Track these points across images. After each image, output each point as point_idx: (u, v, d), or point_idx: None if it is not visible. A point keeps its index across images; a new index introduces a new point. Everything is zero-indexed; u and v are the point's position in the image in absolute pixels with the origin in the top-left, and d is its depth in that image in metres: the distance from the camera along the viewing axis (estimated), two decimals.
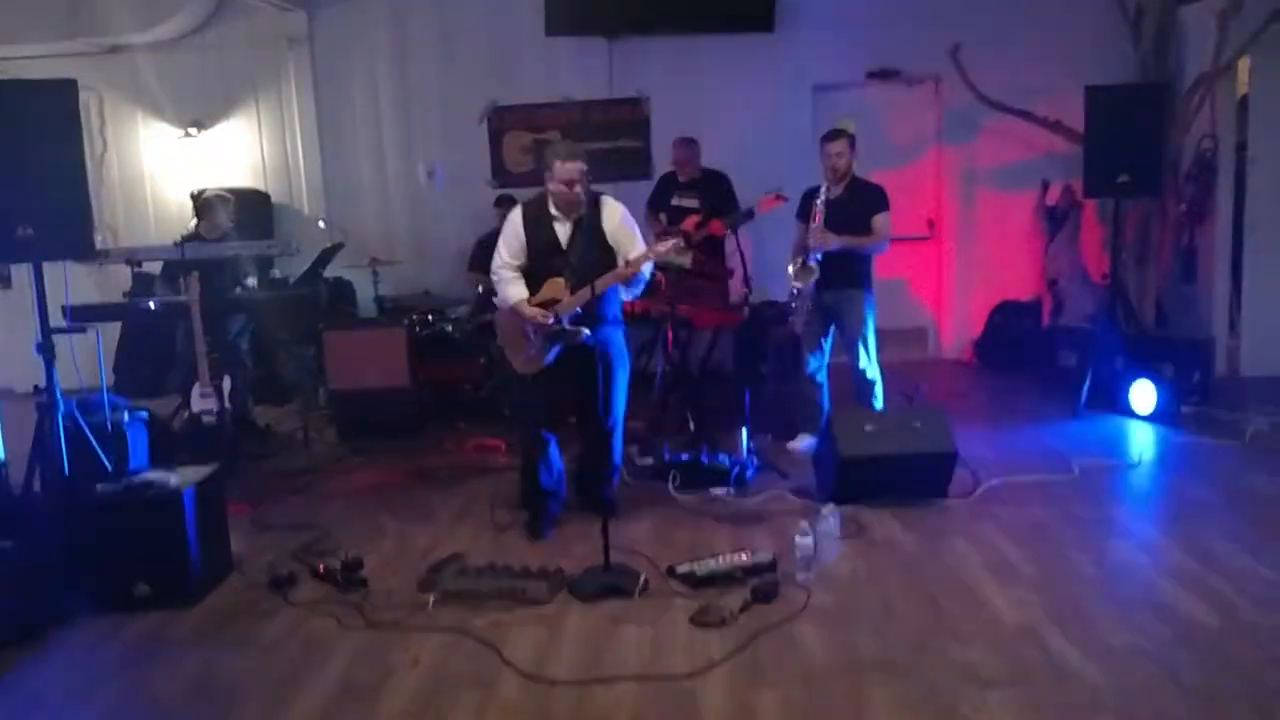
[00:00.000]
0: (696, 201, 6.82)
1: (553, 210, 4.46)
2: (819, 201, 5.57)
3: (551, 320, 4.35)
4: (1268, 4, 6.88)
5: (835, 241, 5.49)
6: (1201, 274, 7.63)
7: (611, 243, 4.46)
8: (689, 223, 6.38)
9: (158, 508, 3.94)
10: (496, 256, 4.57)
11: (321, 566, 4.16)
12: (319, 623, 3.74)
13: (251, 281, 6.51)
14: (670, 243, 4.48)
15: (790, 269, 5.66)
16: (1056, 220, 7.99)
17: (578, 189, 4.33)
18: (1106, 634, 3.36)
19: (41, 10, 8.18)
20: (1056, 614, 3.52)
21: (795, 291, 5.64)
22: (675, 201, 6.99)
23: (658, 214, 7.01)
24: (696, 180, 7.02)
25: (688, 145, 7.10)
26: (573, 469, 4.85)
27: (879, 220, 5.61)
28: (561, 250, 4.42)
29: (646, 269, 4.45)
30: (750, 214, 6.09)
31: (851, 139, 5.67)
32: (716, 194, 6.81)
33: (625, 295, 4.59)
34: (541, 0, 8.08)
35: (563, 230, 4.45)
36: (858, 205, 5.61)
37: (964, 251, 8.48)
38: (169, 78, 8.69)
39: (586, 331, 4.31)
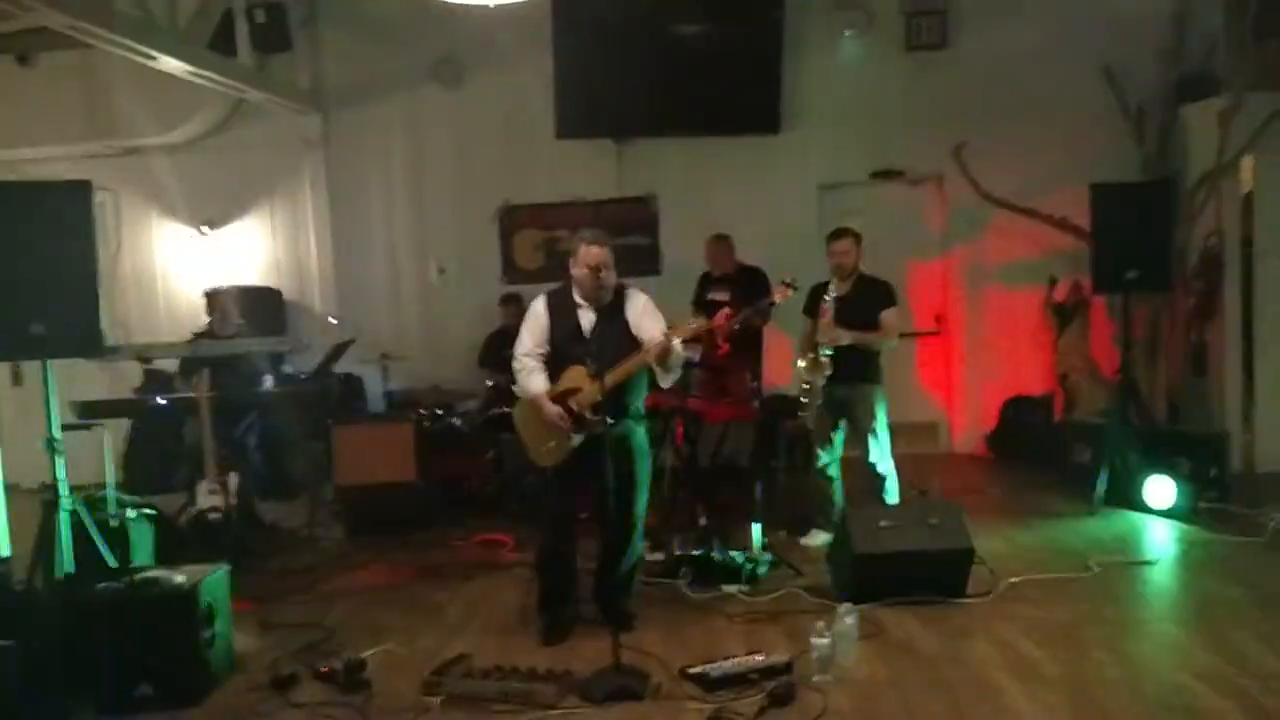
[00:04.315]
0: (728, 295, 6.82)
1: (577, 298, 4.42)
2: (827, 298, 5.59)
3: (571, 421, 4.27)
4: (1269, 103, 7.01)
5: (845, 337, 5.50)
6: (1212, 368, 7.60)
7: (635, 331, 4.37)
8: (719, 318, 6.36)
9: (161, 606, 3.89)
10: (519, 345, 4.51)
11: (324, 667, 4.07)
12: None
13: (269, 381, 6.52)
14: (692, 325, 4.33)
15: (800, 363, 5.66)
16: (1065, 316, 8.00)
17: (603, 275, 4.28)
18: None
19: (61, 114, 8.40)
20: (1082, 717, 3.42)
21: (806, 386, 5.63)
22: (710, 296, 7.01)
23: (697, 313, 7.02)
24: (731, 275, 7.05)
25: (718, 242, 7.15)
26: (590, 573, 4.70)
27: (887, 316, 5.64)
28: (584, 338, 4.36)
29: (679, 356, 4.31)
30: (766, 308, 6.12)
31: (857, 237, 5.74)
32: (749, 288, 6.79)
33: (663, 383, 4.46)
34: (552, 105, 8.26)
35: (586, 319, 4.39)
36: (865, 301, 5.64)
37: (973, 346, 8.49)
38: (184, 178, 8.84)
39: (609, 420, 4.21)
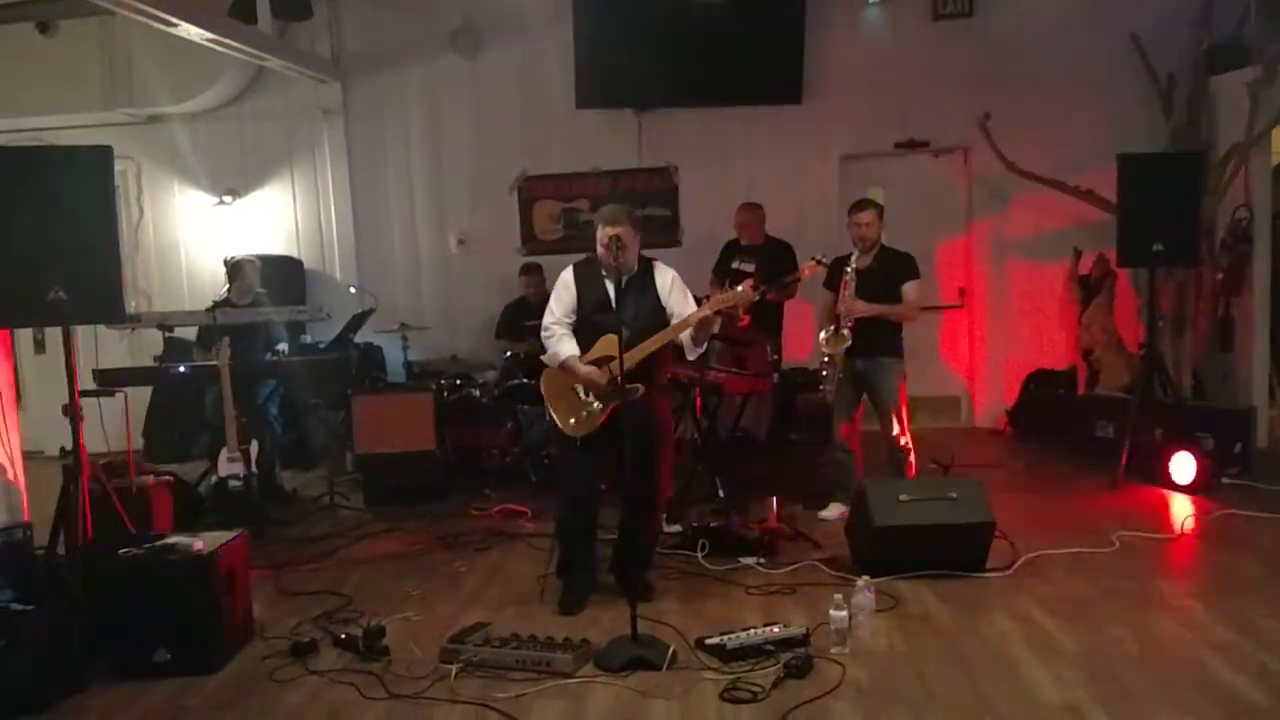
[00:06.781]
0: (753, 266, 6.76)
1: (603, 270, 4.44)
2: (848, 270, 5.55)
3: (606, 378, 4.27)
4: None
5: (865, 309, 5.46)
6: (1239, 343, 7.51)
7: (665, 304, 4.43)
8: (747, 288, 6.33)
9: (181, 573, 3.91)
10: (548, 314, 4.53)
11: (343, 634, 4.10)
12: (340, 692, 3.67)
13: (284, 348, 6.54)
14: (735, 290, 4.35)
15: (822, 335, 5.62)
16: (1090, 289, 7.91)
17: (619, 249, 4.27)
18: (1153, 714, 3.24)
19: (82, 82, 8.38)
20: (1100, 692, 3.40)
21: (826, 359, 5.59)
22: (735, 265, 6.95)
23: (721, 281, 6.97)
24: (759, 247, 6.98)
25: (750, 210, 7.08)
26: (610, 546, 4.71)
27: (909, 289, 5.59)
28: (611, 308, 4.35)
29: (713, 329, 4.42)
30: (793, 282, 6.07)
31: (880, 209, 5.68)
32: (775, 262, 6.73)
33: (690, 355, 4.50)
34: (571, 74, 8.19)
35: (613, 289, 4.39)
36: (887, 274, 5.59)
37: (996, 320, 8.41)
38: (205, 147, 8.86)
39: (640, 388, 4.21)
